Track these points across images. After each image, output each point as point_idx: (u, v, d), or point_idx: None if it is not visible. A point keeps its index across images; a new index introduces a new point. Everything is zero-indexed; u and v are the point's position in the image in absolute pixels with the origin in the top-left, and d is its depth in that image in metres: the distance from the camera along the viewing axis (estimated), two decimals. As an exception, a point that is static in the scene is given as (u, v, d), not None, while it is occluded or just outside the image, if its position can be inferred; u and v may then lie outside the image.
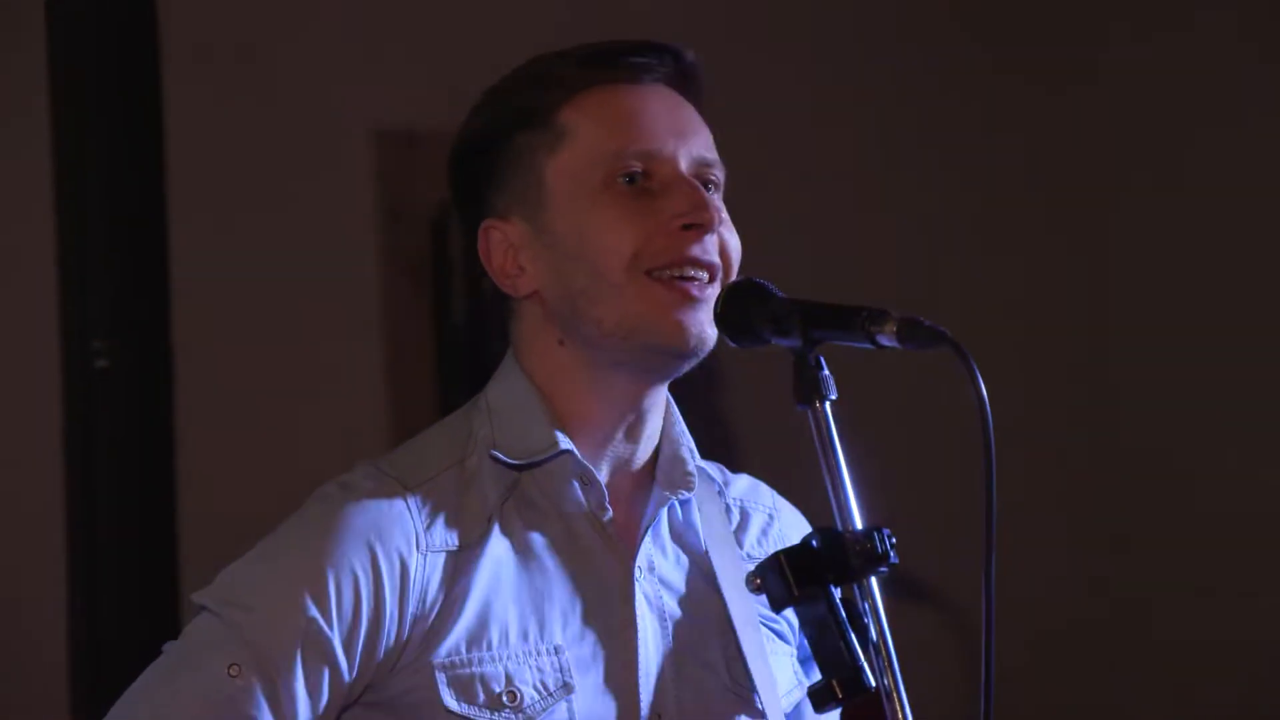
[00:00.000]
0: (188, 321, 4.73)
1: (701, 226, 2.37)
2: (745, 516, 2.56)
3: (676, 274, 2.37)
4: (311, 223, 4.80)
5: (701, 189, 2.39)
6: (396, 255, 5.06)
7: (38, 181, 4.48)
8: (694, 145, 2.42)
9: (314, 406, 4.77)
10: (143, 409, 4.71)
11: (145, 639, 4.61)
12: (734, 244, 2.41)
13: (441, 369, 5.23)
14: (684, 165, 2.40)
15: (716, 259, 2.39)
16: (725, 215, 2.41)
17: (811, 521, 2.49)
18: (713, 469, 2.57)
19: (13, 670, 4.59)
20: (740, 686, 2.46)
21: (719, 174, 2.43)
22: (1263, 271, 5.23)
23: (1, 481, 4.49)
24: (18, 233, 4.50)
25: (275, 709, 2.30)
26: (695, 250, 2.38)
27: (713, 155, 2.43)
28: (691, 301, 2.37)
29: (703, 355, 2.40)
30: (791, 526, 2.58)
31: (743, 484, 2.60)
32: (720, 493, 2.56)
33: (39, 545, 4.60)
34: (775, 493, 2.61)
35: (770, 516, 2.58)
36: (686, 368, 2.43)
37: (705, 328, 2.38)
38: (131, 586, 4.68)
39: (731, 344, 2.37)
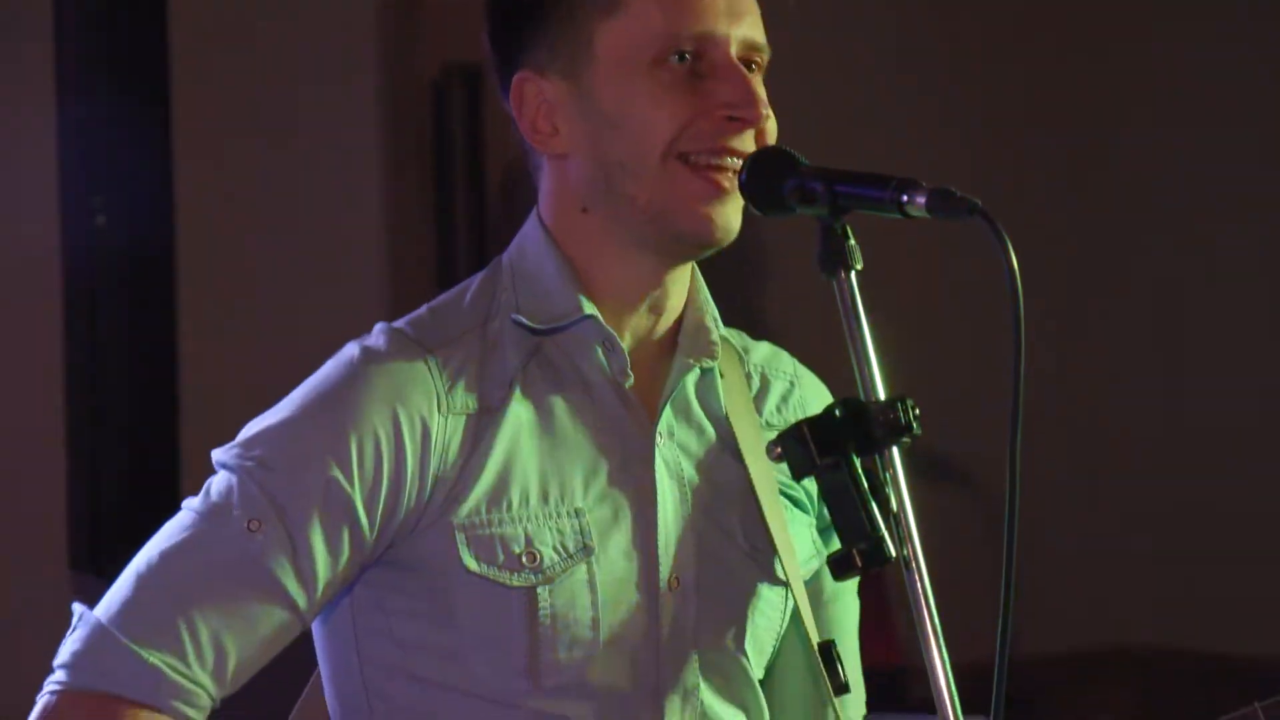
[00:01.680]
0: (188, 181, 4.71)
1: (746, 121, 2.35)
2: (765, 383, 2.56)
3: (713, 161, 2.36)
4: (313, 86, 4.77)
5: (750, 80, 2.37)
6: (398, 118, 5.03)
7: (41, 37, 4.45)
8: (745, 27, 2.39)
9: (313, 263, 4.76)
10: (143, 265, 4.71)
11: (145, 498, 4.64)
12: (771, 131, 2.40)
13: (441, 244, 5.22)
14: (735, 48, 2.38)
15: (753, 148, 2.37)
16: (766, 102, 2.38)
17: (834, 395, 2.48)
18: (734, 335, 2.56)
19: (13, 527, 4.60)
20: (759, 553, 2.47)
21: (765, 56, 2.41)
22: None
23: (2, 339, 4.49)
24: (17, 92, 4.48)
25: (295, 566, 2.30)
26: (735, 142, 2.36)
27: (761, 38, 2.40)
28: (721, 194, 2.36)
29: (728, 243, 2.39)
30: (812, 395, 2.58)
31: (763, 351, 2.59)
32: (740, 359, 2.55)
33: (39, 404, 4.60)
34: (796, 360, 2.60)
35: (791, 384, 2.57)
36: (711, 253, 2.42)
37: (731, 220, 2.37)
38: (132, 444, 4.69)
39: (757, 212, 2.36)
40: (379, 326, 2.41)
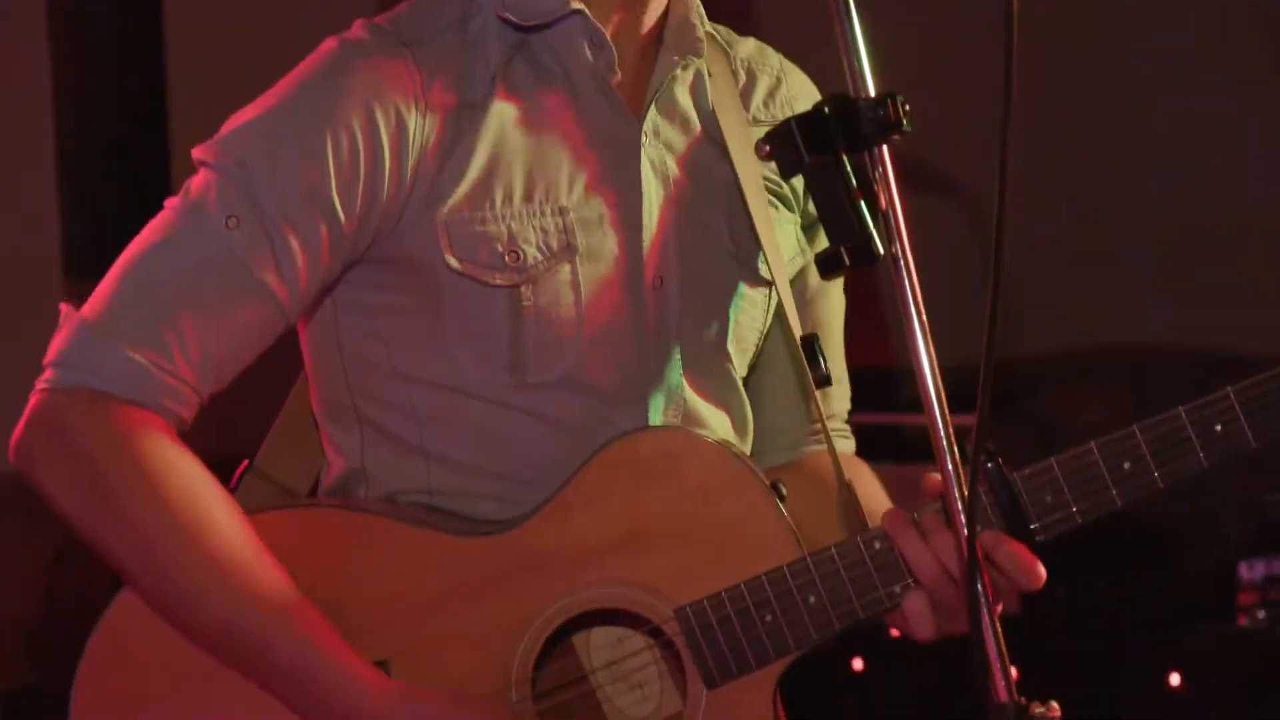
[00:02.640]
0: None
1: None
2: (752, 78, 2.52)
3: None
4: None
5: None
6: None
7: None
8: None
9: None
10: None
11: (136, 197, 4.61)
12: None
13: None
14: None
15: None
16: None
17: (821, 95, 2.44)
18: (720, 31, 2.52)
19: (6, 232, 4.58)
20: (743, 251, 2.46)
21: None
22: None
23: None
24: None
25: (274, 260, 2.29)
26: None
27: None
28: None
29: None
30: (799, 90, 2.54)
31: (750, 46, 2.55)
32: (727, 55, 2.51)
33: (28, 108, 4.56)
34: (783, 57, 2.57)
35: (778, 79, 2.54)
36: None
37: None
38: (121, 143, 4.64)
39: None
40: (359, 22, 2.37)
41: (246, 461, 2.51)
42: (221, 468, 2.41)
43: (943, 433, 2.08)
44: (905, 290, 2.11)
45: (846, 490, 2.41)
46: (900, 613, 2.31)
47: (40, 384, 2.31)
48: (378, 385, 2.39)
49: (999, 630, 2.01)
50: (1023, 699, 1.99)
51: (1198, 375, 5.40)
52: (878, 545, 2.31)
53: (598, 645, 2.39)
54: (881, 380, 4.36)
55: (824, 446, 2.56)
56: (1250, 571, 4.25)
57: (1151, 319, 5.75)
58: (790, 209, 2.52)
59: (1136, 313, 5.78)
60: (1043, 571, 2.25)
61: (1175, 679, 4.08)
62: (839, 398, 2.60)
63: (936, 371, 2.09)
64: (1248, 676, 4.11)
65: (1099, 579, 4.24)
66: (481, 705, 2.30)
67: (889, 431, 4.24)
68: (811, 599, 2.31)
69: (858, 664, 4.24)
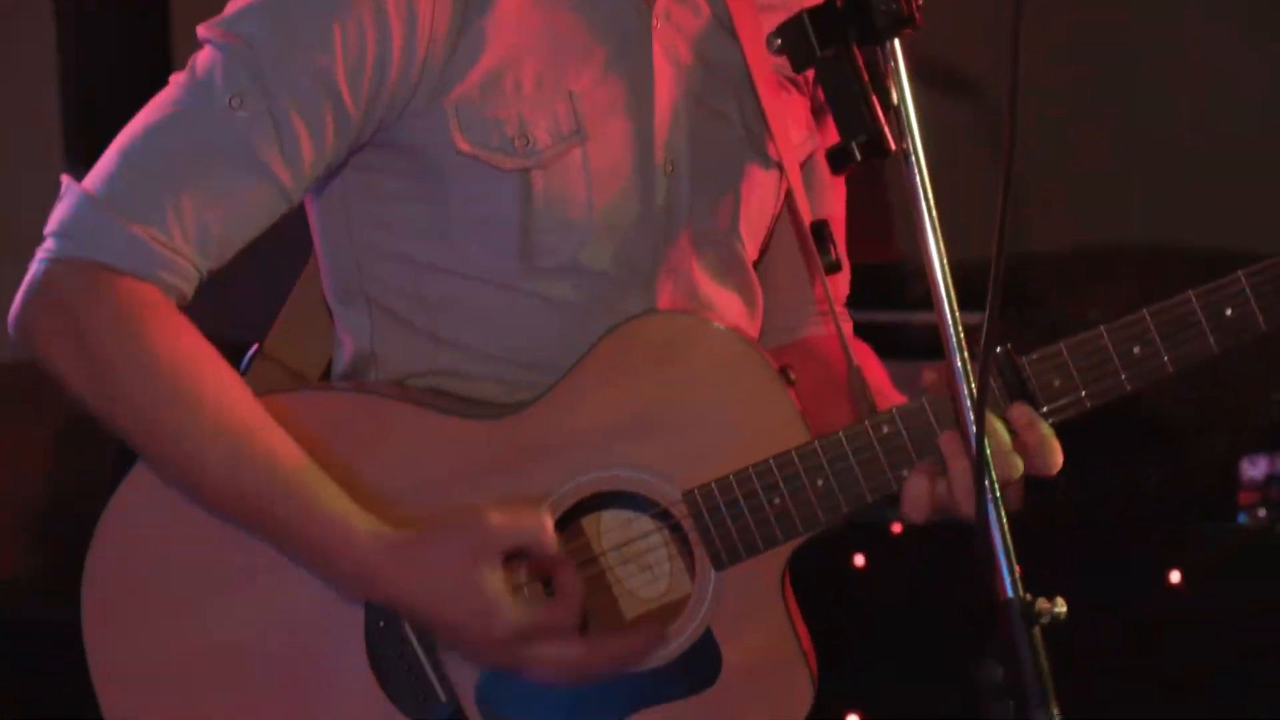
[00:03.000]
0: None
1: None
2: None
3: None
4: None
5: None
6: None
7: None
8: None
9: None
10: None
11: (137, 82, 4.57)
12: None
13: None
14: None
15: None
16: None
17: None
18: None
19: (13, 209, 4.55)
20: (754, 136, 2.45)
21: None
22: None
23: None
24: None
25: (278, 142, 2.28)
26: None
27: None
28: None
29: None
30: None
31: None
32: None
33: (33, 87, 4.52)
34: None
35: (788, -37, 2.52)
36: None
37: None
38: (124, 29, 4.61)
39: None
40: None
41: (257, 345, 2.50)
42: (230, 354, 2.41)
43: (952, 328, 2.07)
44: (916, 186, 2.10)
45: (856, 374, 2.40)
46: (902, 493, 2.32)
47: (40, 253, 2.31)
48: (387, 270, 2.39)
49: (1006, 527, 2.01)
50: (1028, 595, 2.00)
51: (1204, 275, 5.40)
52: (885, 430, 2.31)
53: (607, 528, 2.39)
54: (886, 277, 4.36)
55: (824, 328, 2.57)
56: (1253, 469, 4.25)
57: (1158, 218, 5.73)
58: (800, 93, 2.50)
59: (1142, 212, 5.77)
60: (1060, 453, 2.26)
61: (1175, 576, 4.09)
62: (841, 283, 2.60)
63: (946, 268, 2.09)
64: (1247, 575, 4.13)
65: (1101, 474, 4.24)
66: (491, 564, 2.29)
67: (893, 329, 4.24)
68: (819, 483, 2.32)
69: (859, 560, 4.26)
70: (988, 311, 2.00)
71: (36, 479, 5.40)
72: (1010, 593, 2.00)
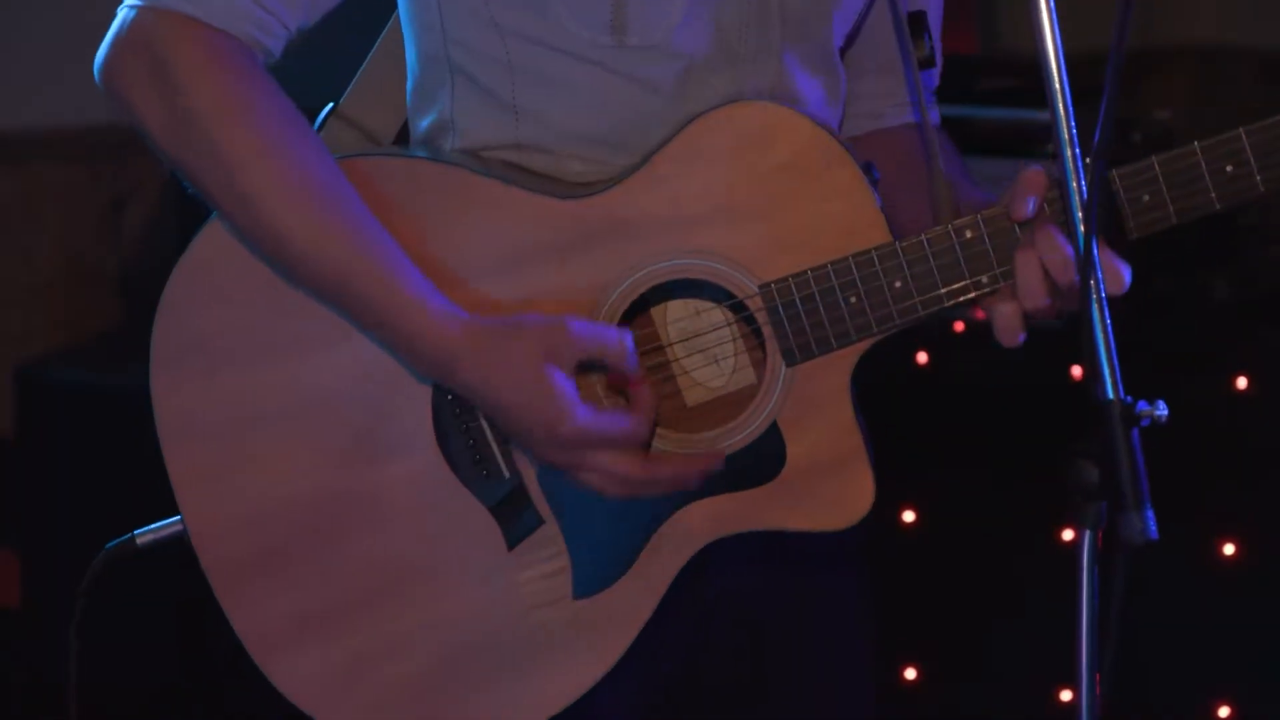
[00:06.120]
0: None
1: None
2: None
3: None
4: None
5: None
6: None
7: None
8: None
9: None
10: None
11: None
12: None
13: None
14: None
15: None
16: None
17: None
18: None
19: None
20: None
21: None
22: None
23: None
24: None
25: None
26: None
27: None
28: None
29: None
30: None
31: None
32: None
33: None
34: None
35: None
36: None
37: None
38: None
39: None
40: None
41: (332, 105, 2.47)
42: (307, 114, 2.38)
43: (1064, 124, 2.04)
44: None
45: (939, 175, 2.36)
46: (990, 316, 2.29)
47: (128, 1, 2.28)
48: (474, 36, 2.34)
49: (1109, 329, 1.99)
50: (1129, 397, 1.98)
51: (1263, 73, 5.33)
52: (969, 234, 2.28)
53: (675, 317, 2.37)
54: (955, 70, 4.29)
55: (908, 119, 2.54)
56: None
57: (1217, 18, 5.65)
58: None
59: (1204, 10, 5.69)
60: (1129, 277, 2.23)
61: (1242, 382, 4.08)
62: (932, 76, 2.55)
63: (1062, 61, 2.04)
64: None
65: (1165, 278, 4.21)
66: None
67: (962, 124, 4.18)
68: (898, 284, 2.29)
69: (922, 357, 4.24)
70: (1103, 111, 1.96)
71: (99, 242, 5.38)
72: (1109, 394, 1.98)
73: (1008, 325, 2.28)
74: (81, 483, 4.69)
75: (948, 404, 4.20)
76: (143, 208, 5.20)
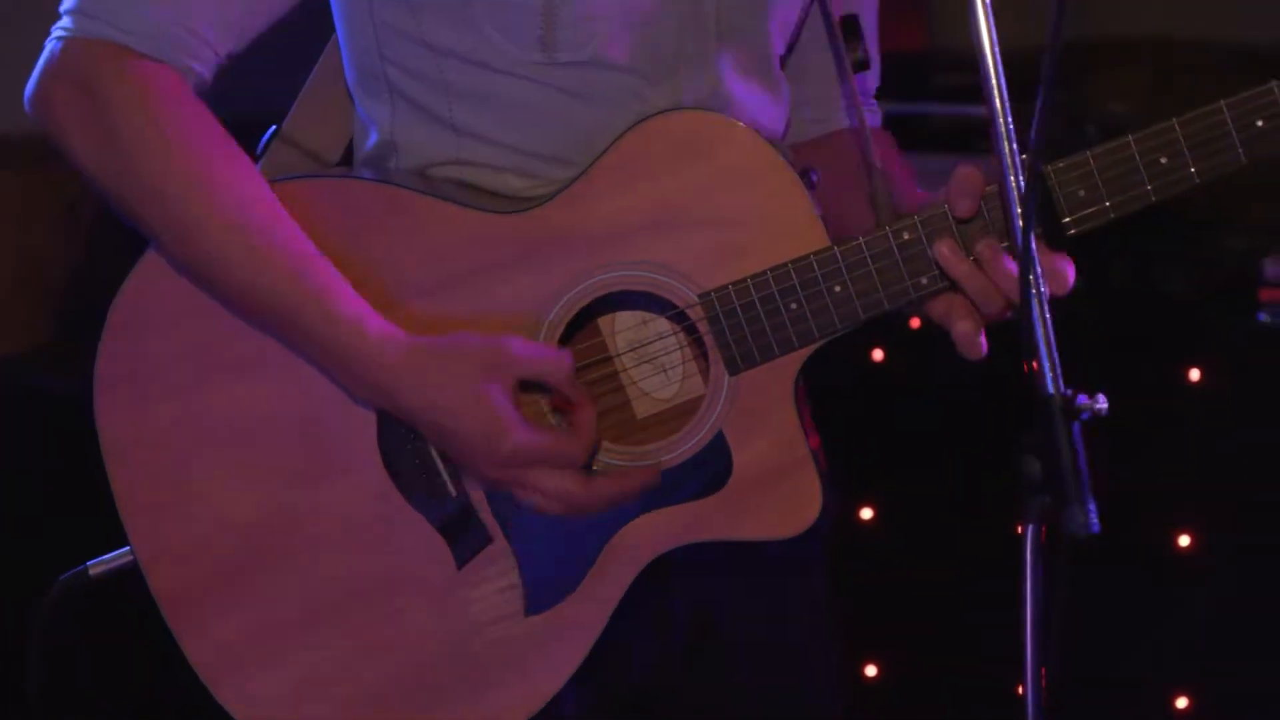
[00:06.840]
0: None
1: None
2: None
3: None
4: None
5: None
6: None
7: None
8: None
9: None
10: None
11: None
12: None
13: None
14: None
15: None
16: None
17: None
18: None
19: None
20: None
21: None
22: None
23: None
24: None
25: None
26: None
27: None
28: None
29: None
30: None
31: None
32: None
33: None
34: None
35: None
36: None
37: None
38: None
39: None
40: None
41: (275, 127, 2.47)
42: (248, 133, 2.37)
43: (1001, 121, 2.04)
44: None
45: (878, 175, 2.37)
46: (950, 334, 2.30)
47: (57, 30, 2.27)
48: (409, 57, 2.34)
49: (1049, 323, 2.00)
50: (1069, 391, 1.98)
51: (1217, 66, 5.35)
52: (906, 236, 2.28)
53: (622, 327, 2.37)
54: (908, 67, 4.31)
55: (847, 124, 2.54)
56: (1275, 268, 4.23)
57: (1170, 10, 5.67)
58: None
59: (1160, 3, 5.70)
60: (1072, 276, 2.23)
61: (1195, 374, 4.09)
62: (870, 78, 2.56)
63: (998, 57, 2.05)
64: (1266, 374, 4.12)
65: (1120, 269, 4.23)
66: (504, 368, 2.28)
67: (915, 121, 4.19)
68: (837, 289, 2.29)
69: (878, 355, 4.25)
70: (1039, 105, 1.97)
71: (50, 251, 5.34)
72: (1050, 389, 1.99)
73: (969, 341, 2.29)
74: (37, 496, 4.66)
75: (904, 401, 4.20)
76: (98, 212, 5.18)
